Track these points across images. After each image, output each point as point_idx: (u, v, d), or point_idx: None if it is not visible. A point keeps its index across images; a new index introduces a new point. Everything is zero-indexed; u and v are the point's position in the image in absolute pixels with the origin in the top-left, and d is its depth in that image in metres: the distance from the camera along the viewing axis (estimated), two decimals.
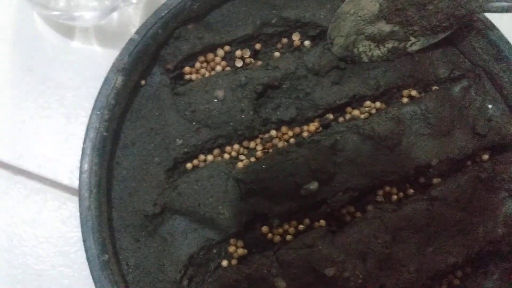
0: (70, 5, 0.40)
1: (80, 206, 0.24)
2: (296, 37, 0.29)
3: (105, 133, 0.24)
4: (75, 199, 0.41)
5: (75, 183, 0.41)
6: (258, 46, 0.29)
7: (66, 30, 0.44)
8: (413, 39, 0.29)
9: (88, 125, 0.24)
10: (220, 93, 0.27)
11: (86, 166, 0.24)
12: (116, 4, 0.40)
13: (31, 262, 0.40)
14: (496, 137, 0.29)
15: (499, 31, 0.29)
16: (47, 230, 0.40)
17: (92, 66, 0.44)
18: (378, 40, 0.29)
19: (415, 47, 0.29)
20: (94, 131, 0.24)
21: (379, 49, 0.29)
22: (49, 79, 0.43)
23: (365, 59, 0.29)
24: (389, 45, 0.29)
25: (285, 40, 0.29)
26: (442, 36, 0.29)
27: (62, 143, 0.42)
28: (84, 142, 0.24)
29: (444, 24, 0.28)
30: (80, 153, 0.41)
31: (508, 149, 0.29)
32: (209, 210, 0.26)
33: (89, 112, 0.42)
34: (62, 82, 0.43)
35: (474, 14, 0.28)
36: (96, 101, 0.25)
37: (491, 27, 0.29)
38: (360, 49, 0.29)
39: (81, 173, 0.24)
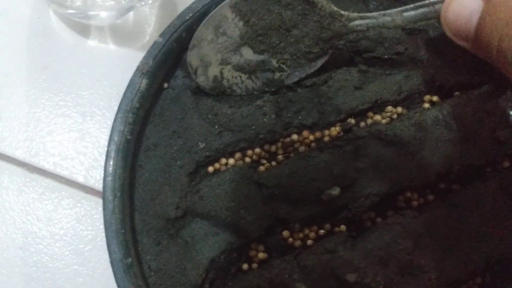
0: (86, 3, 0.40)
1: (104, 209, 0.24)
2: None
3: (129, 136, 0.24)
4: (90, 197, 0.41)
5: (90, 182, 0.41)
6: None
7: (82, 28, 0.44)
8: (287, 70, 0.27)
9: (112, 128, 0.24)
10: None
11: (110, 169, 0.24)
12: (133, 4, 0.40)
13: (46, 260, 0.40)
14: None
15: None
16: (62, 228, 0.41)
17: (108, 64, 0.44)
18: (248, 71, 0.27)
19: (293, 79, 0.27)
20: (119, 134, 0.24)
21: (253, 81, 0.27)
22: (65, 78, 0.43)
23: (239, 91, 0.27)
24: (263, 76, 0.27)
25: None
26: (319, 63, 0.27)
27: (78, 142, 0.42)
28: (109, 145, 0.24)
29: (315, 50, 0.26)
30: (95, 151, 0.42)
31: None
32: (230, 214, 0.26)
33: (104, 110, 0.42)
34: (78, 80, 0.43)
35: (342, 36, 0.27)
36: (120, 104, 0.25)
37: None
38: (230, 81, 0.27)
39: (105, 176, 0.24)
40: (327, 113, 0.28)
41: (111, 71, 0.44)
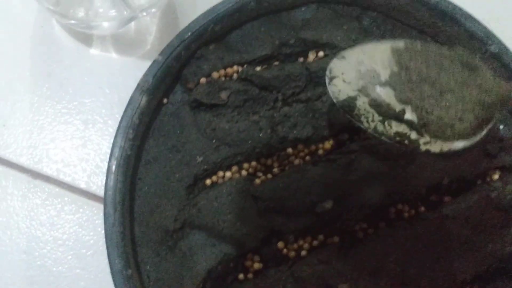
0: (88, 14, 0.41)
1: (105, 223, 0.25)
2: (312, 55, 0.30)
3: (129, 151, 0.25)
4: (92, 203, 0.42)
5: (92, 188, 0.42)
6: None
7: (84, 37, 0.45)
8: (426, 136, 0.23)
9: (113, 144, 0.25)
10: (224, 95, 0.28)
11: (111, 184, 0.25)
12: (135, 15, 0.41)
13: (49, 264, 0.41)
14: (507, 157, 0.30)
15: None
16: (64, 233, 0.42)
17: (109, 72, 0.45)
18: (383, 113, 0.24)
19: (430, 148, 0.24)
20: (119, 150, 0.25)
21: (384, 126, 0.24)
22: (68, 85, 0.44)
23: (366, 126, 0.24)
24: (397, 128, 0.24)
25: (301, 59, 0.30)
26: (462, 144, 0.24)
27: (80, 148, 0.43)
28: (110, 160, 0.25)
29: (469, 117, 0.23)
30: (97, 158, 0.42)
31: None
32: (227, 226, 0.27)
33: (106, 118, 0.43)
34: (80, 88, 0.44)
35: (506, 103, 0.23)
36: (121, 120, 0.26)
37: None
38: (362, 112, 0.24)
39: (106, 190, 0.25)
40: (321, 128, 0.29)
41: (113, 78, 0.45)
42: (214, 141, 0.27)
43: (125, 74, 0.45)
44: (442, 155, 0.25)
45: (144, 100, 0.26)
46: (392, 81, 0.23)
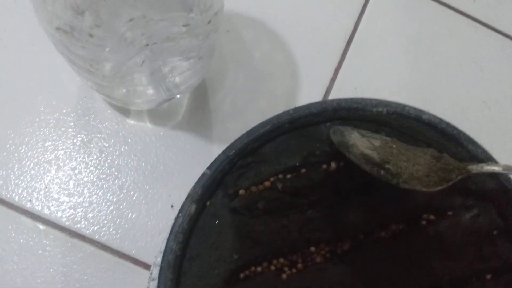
0: (129, 94, 0.45)
1: None
2: (334, 164, 0.34)
3: (179, 252, 0.30)
4: (123, 262, 0.46)
5: (123, 248, 0.47)
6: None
7: (123, 109, 0.49)
8: (400, 179, 0.31)
9: (166, 246, 0.29)
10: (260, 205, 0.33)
11: (162, 280, 0.29)
12: (172, 96, 0.46)
13: None
14: (499, 261, 0.34)
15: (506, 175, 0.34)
16: None
17: (144, 141, 0.49)
18: (369, 161, 0.32)
19: (401, 185, 0.32)
20: (170, 252, 0.29)
21: (367, 166, 0.32)
22: (106, 153, 0.48)
23: (353, 159, 0.32)
24: (381, 175, 0.32)
25: (324, 166, 0.34)
26: (431, 190, 0.32)
27: (114, 212, 0.48)
28: (162, 261, 0.29)
29: (433, 178, 0.32)
30: (130, 221, 0.47)
31: (510, 271, 0.35)
32: None
33: (139, 184, 0.48)
34: (118, 155, 0.49)
35: (460, 172, 0.32)
36: (173, 226, 0.30)
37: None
38: (357, 158, 0.32)
39: (159, 285, 0.29)
40: (340, 230, 0.33)
41: (146, 147, 0.49)
42: (248, 241, 0.32)
43: (157, 143, 0.49)
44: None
45: (193, 208, 0.30)
46: (378, 149, 0.32)
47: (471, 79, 0.57)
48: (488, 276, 0.35)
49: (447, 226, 0.35)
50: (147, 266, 0.46)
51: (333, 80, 0.54)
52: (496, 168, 0.32)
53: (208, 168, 0.31)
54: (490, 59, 0.58)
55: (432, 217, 0.35)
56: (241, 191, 0.32)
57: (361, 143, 0.32)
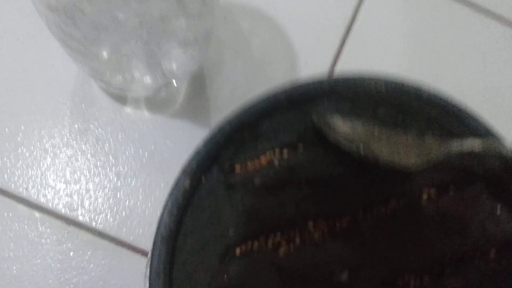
0: (125, 80, 0.45)
1: None
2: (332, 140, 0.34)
3: (173, 227, 0.29)
4: (120, 249, 0.45)
5: (121, 236, 0.46)
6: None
7: (120, 96, 0.49)
8: (380, 157, 0.32)
9: (159, 220, 0.29)
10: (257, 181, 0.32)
11: (156, 255, 0.28)
12: (169, 81, 0.45)
13: None
14: (503, 237, 0.33)
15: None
16: (93, 277, 0.45)
17: (141, 129, 0.49)
18: (349, 140, 0.32)
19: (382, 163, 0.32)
20: (164, 226, 0.29)
21: (347, 144, 0.32)
22: (103, 140, 0.48)
23: (331, 137, 0.33)
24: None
25: (322, 142, 0.34)
26: (411, 169, 0.33)
27: (112, 199, 0.47)
28: (156, 235, 0.29)
29: (414, 160, 0.32)
30: (127, 209, 0.46)
31: None
32: None
33: (137, 171, 0.47)
34: (114, 143, 0.48)
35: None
36: (167, 201, 0.29)
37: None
38: (330, 133, 0.33)
39: (152, 260, 0.28)
40: (339, 206, 0.33)
41: (144, 135, 0.49)
42: (244, 216, 0.31)
43: (155, 131, 0.49)
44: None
45: (187, 183, 0.30)
46: (358, 133, 0.33)
47: (473, 67, 0.57)
48: (492, 253, 0.34)
49: (449, 202, 0.34)
50: (144, 253, 0.45)
51: (332, 67, 0.54)
52: (475, 145, 0.32)
53: (203, 142, 0.30)
54: (493, 47, 0.58)
55: (433, 192, 0.34)
56: (237, 167, 0.32)
57: (343, 127, 0.33)
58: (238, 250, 0.31)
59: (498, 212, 0.34)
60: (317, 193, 0.33)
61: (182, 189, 0.30)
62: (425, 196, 0.35)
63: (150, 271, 0.29)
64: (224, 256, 0.31)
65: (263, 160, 0.32)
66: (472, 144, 0.32)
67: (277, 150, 0.33)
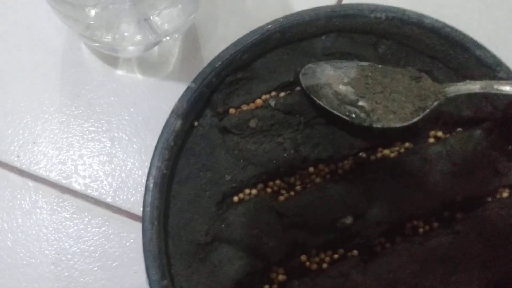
0: (115, 38, 0.43)
1: (143, 237, 0.26)
2: None
3: (165, 171, 0.27)
4: (118, 217, 0.44)
5: (118, 202, 0.44)
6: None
7: (111, 59, 0.47)
8: (373, 116, 0.30)
9: (151, 164, 0.27)
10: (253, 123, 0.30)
11: (149, 200, 0.27)
12: (159, 39, 0.43)
13: (76, 275, 0.43)
14: None
15: None
16: (91, 245, 0.44)
17: (134, 92, 0.47)
18: (341, 100, 0.30)
19: (373, 124, 0.30)
20: (156, 169, 0.27)
21: (339, 107, 0.30)
22: (95, 105, 0.46)
23: (324, 103, 0.30)
24: (351, 109, 0.30)
25: None
26: (406, 123, 0.30)
27: (107, 164, 0.45)
28: (148, 179, 0.27)
29: (408, 107, 0.30)
30: (123, 174, 0.44)
31: None
32: (253, 240, 0.29)
33: (131, 136, 0.46)
34: (107, 107, 0.46)
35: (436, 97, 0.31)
36: (158, 142, 0.28)
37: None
38: (323, 96, 0.30)
39: (144, 207, 0.27)
40: (341, 148, 0.31)
41: (138, 98, 0.47)
42: (241, 161, 0.29)
43: (149, 94, 0.47)
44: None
45: (178, 124, 0.28)
46: (352, 82, 0.30)
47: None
48: (505, 194, 0.32)
49: (457, 142, 0.32)
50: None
51: None
52: (473, 87, 0.30)
53: (193, 81, 0.28)
54: None
55: (440, 133, 0.33)
56: (231, 110, 0.30)
57: (335, 79, 0.31)
58: (236, 198, 0.30)
59: (510, 150, 0.32)
60: (317, 135, 0.31)
61: (173, 131, 0.28)
62: (431, 139, 0.33)
63: (142, 219, 0.27)
64: (221, 203, 0.29)
65: (258, 102, 0.31)
66: (469, 87, 0.30)
67: (273, 93, 0.31)
